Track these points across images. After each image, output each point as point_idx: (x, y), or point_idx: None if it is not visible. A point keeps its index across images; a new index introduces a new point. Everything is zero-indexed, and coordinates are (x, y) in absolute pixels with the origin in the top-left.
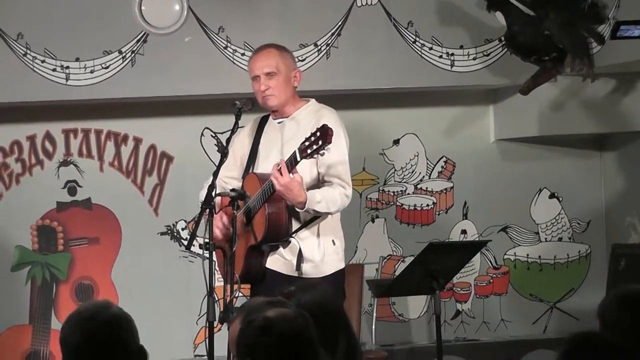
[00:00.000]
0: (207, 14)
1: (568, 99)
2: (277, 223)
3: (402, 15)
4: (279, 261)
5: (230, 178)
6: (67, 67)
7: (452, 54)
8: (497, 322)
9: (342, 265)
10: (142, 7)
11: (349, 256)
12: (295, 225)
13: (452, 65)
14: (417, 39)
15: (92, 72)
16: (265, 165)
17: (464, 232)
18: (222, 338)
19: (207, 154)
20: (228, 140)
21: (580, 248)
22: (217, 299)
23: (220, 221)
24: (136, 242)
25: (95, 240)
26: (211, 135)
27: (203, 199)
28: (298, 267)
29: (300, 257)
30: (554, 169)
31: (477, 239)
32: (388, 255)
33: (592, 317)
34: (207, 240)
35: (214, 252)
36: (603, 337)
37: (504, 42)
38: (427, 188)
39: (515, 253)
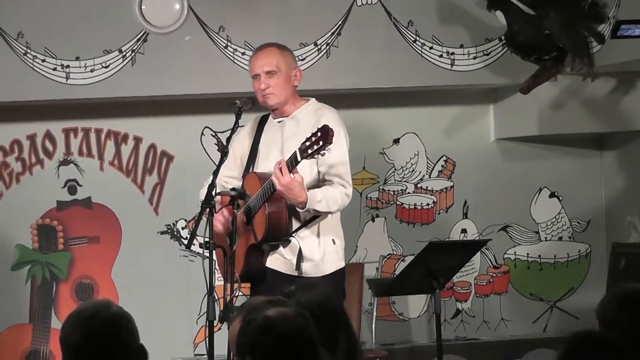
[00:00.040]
0: (208, 13)
1: (568, 98)
2: (277, 222)
3: (402, 14)
4: (279, 260)
5: (230, 177)
6: (67, 66)
7: (453, 53)
8: (497, 322)
9: (342, 265)
10: (143, 6)
11: (349, 255)
12: (295, 224)
13: (452, 65)
14: (418, 38)
15: (92, 71)
16: (265, 164)
17: (464, 231)
18: (222, 337)
19: (207, 153)
20: (228, 140)
21: (580, 247)
22: (217, 298)
23: (221, 215)
24: (136, 241)
25: (96, 240)
26: (211, 135)
27: (203, 198)
28: (298, 267)
29: (300, 257)
30: (554, 168)
31: (477, 238)
32: (388, 255)
33: (592, 316)
34: (207, 239)
35: (214, 251)
36: (603, 336)
37: (504, 42)
38: (427, 187)
39: (515, 252)
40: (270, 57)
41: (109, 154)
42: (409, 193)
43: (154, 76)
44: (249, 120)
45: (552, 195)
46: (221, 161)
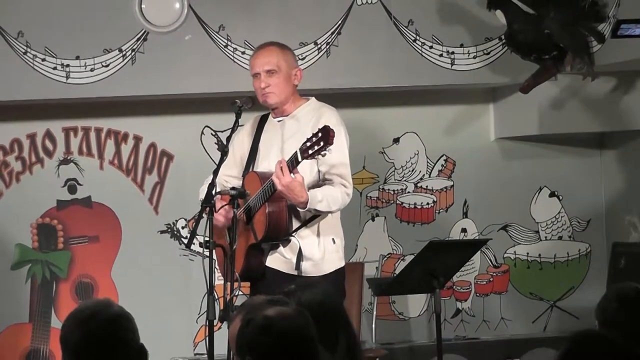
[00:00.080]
0: (208, 13)
1: (568, 97)
2: (277, 222)
3: (403, 13)
4: (278, 259)
5: (230, 176)
6: (68, 66)
7: (453, 53)
8: (497, 321)
9: (342, 264)
10: (143, 6)
11: (349, 255)
12: (295, 224)
13: (452, 64)
14: (418, 37)
15: (92, 70)
16: (265, 163)
17: (464, 230)
18: (222, 336)
19: (207, 152)
20: (228, 139)
21: (580, 247)
22: (217, 297)
23: (223, 209)
24: (136, 240)
25: (95, 239)
26: (211, 134)
27: (203, 197)
28: (298, 266)
29: (300, 256)
30: (554, 168)
31: (477, 238)
32: (388, 254)
33: (592, 315)
34: (207, 238)
35: (214, 251)
36: (603, 336)
37: (504, 41)
38: (427, 186)
39: (515, 252)
40: (271, 56)
41: (109, 153)
42: (409, 192)
43: (154, 75)
44: (249, 120)
45: (552, 194)
46: (221, 160)
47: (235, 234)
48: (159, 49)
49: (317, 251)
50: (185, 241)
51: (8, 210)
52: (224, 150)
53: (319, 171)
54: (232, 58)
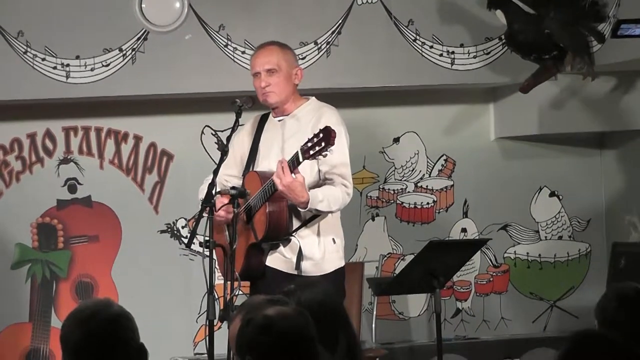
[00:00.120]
0: (208, 12)
1: (568, 97)
2: (278, 222)
3: (403, 13)
4: (279, 259)
5: (230, 176)
6: (68, 65)
7: (453, 52)
8: (497, 321)
9: (342, 264)
10: (143, 5)
11: (349, 254)
12: (295, 223)
13: (452, 64)
14: (418, 37)
15: (92, 69)
16: (265, 163)
17: (464, 230)
18: (222, 336)
19: (207, 152)
20: (228, 139)
21: (580, 246)
22: (217, 297)
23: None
24: (136, 240)
25: (95, 238)
26: (211, 134)
27: (203, 197)
28: (298, 265)
29: (300, 255)
30: (554, 168)
31: (477, 237)
32: (388, 254)
33: (591, 315)
34: (207, 238)
35: (214, 250)
36: (603, 335)
37: (504, 41)
38: (427, 186)
39: (515, 251)
40: (271, 56)
41: (109, 153)
42: (409, 192)
43: (154, 75)
44: (249, 119)
45: (552, 194)
46: (221, 160)
47: (235, 233)
48: (159, 48)
49: (317, 251)
50: (186, 241)
51: (8, 209)
52: (224, 149)
53: (319, 171)
54: (232, 58)
